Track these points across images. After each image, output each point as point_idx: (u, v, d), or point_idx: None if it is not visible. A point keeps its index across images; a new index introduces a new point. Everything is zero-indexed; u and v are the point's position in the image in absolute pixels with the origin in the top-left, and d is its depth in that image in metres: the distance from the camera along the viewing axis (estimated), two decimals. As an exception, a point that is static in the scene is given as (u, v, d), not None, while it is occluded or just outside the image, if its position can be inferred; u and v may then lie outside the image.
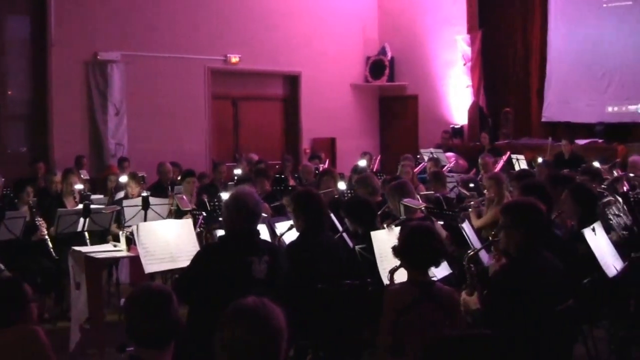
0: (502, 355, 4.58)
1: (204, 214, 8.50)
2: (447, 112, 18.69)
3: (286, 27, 17.62)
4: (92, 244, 8.52)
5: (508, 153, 13.91)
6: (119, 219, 9.24)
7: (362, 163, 13.69)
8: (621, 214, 7.80)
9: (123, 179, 11.05)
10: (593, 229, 6.28)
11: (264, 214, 6.67)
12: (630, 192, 8.85)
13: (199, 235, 7.49)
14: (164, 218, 8.82)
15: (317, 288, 5.68)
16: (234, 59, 16.89)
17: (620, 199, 7.93)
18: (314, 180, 11.61)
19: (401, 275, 4.99)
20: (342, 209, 7.16)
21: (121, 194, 10.57)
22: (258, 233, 5.38)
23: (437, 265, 4.86)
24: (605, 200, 8.00)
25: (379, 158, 15.20)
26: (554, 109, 17.16)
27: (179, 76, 16.05)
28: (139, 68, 15.41)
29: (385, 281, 5.47)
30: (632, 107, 15.90)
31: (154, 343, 3.34)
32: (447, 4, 18.44)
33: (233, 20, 16.82)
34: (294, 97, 18.43)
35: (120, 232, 8.12)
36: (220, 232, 6.72)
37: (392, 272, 5.13)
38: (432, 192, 9.50)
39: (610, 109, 16.23)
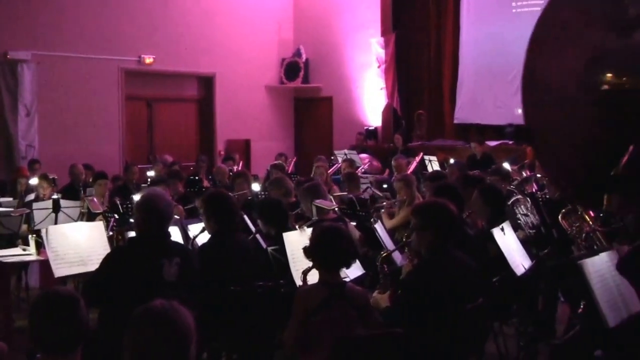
0: (413, 354, 4.66)
1: (116, 216, 8.38)
2: (362, 114, 18.85)
3: (201, 28, 17.50)
4: (0, 248, 8.32)
5: (421, 154, 14.09)
6: (29, 222, 9.05)
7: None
8: (529, 214, 7.97)
9: (33, 181, 10.82)
10: (502, 229, 6.39)
11: (176, 216, 6.64)
12: (538, 192, 9.05)
13: (110, 238, 7.39)
14: (75, 221, 8.67)
15: (229, 290, 5.66)
16: (148, 59, 16.68)
17: (528, 199, 8.10)
18: (228, 181, 11.57)
19: (314, 276, 5.01)
20: (254, 210, 7.16)
21: (31, 197, 10.36)
22: (169, 235, 5.34)
23: (348, 266, 4.88)
24: (514, 199, 8.17)
25: (293, 160, 15.24)
26: (465, 111, 17.47)
27: (92, 77, 15.77)
28: (50, 68, 15.05)
29: (298, 282, 5.48)
30: (540, 110, 16.26)
31: (60, 349, 3.27)
32: (361, 7, 18.58)
33: (147, 21, 16.61)
34: (208, 98, 18.31)
35: (30, 236, 7.96)
36: (132, 234, 6.63)
37: (305, 273, 5.13)
38: (345, 193, 9.54)
39: (519, 111, 16.49)
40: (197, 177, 12.56)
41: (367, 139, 18.23)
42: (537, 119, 2.78)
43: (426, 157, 13.85)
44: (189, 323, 2.82)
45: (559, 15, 2.77)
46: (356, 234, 7.54)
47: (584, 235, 6.82)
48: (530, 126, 2.86)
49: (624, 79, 2.56)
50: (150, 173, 12.55)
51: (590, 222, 6.96)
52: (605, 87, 2.58)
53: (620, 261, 2.77)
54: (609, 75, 2.56)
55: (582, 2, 2.75)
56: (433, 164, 13.54)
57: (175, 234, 6.35)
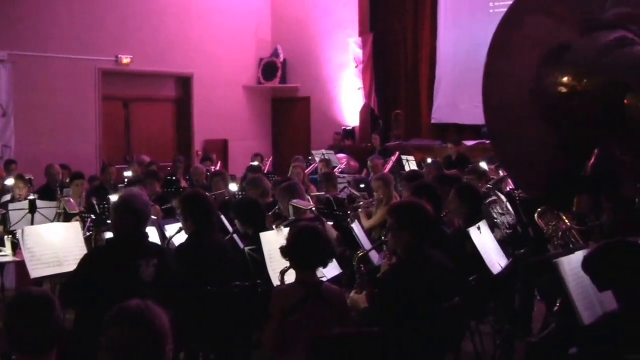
0: (390, 353, 4.67)
1: (93, 217, 8.35)
2: (339, 114, 18.88)
3: (179, 28, 17.44)
4: (-24, 249, 8.27)
5: (397, 154, 14.14)
6: (5, 223, 8.99)
7: (255, 164, 13.77)
8: (505, 213, 8.01)
9: (10, 182, 10.74)
10: (479, 228, 6.43)
11: (153, 217, 6.62)
12: (514, 192, 9.09)
13: (88, 239, 7.36)
14: (51, 221, 8.62)
15: (207, 290, 5.65)
16: (126, 60, 16.59)
17: (504, 198, 8.14)
18: (206, 182, 11.56)
19: (292, 276, 5.02)
20: (231, 211, 7.15)
21: (8, 197, 10.28)
22: (147, 236, 5.34)
23: (325, 265, 4.89)
24: (491, 199, 8.21)
25: (270, 160, 15.25)
26: (443, 111, 17.56)
27: (69, 77, 15.66)
28: (27, 68, 14.94)
29: (276, 282, 5.49)
30: (517, 109, 16.38)
31: (35, 349, 3.26)
32: (339, 7, 18.61)
33: (124, 21, 16.53)
34: (186, 98, 18.25)
35: (6, 237, 7.91)
36: (110, 235, 6.61)
37: (283, 273, 5.13)
38: (323, 193, 9.56)
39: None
40: (174, 178, 12.53)
41: (345, 139, 18.24)
42: (497, 123, 2.83)
43: (404, 157, 13.90)
44: (165, 323, 2.82)
45: (522, 18, 2.79)
46: (333, 233, 7.56)
47: (560, 234, 6.87)
48: (490, 129, 2.91)
49: (585, 81, 2.59)
50: (128, 173, 12.50)
51: (567, 221, 7.02)
52: (563, 89, 2.61)
53: (584, 260, 2.81)
54: (567, 78, 2.60)
55: (549, 3, 2.78)
56: (410, 164, 13.58)
57: (152, 234, 6.33)
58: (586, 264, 2.78)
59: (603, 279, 2.83)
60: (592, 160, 2.67)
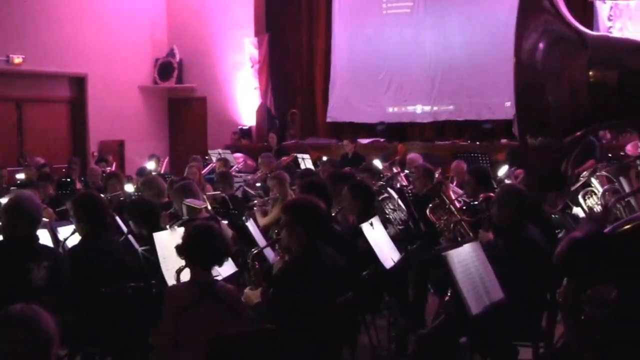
0: (286, 349, 4.72)
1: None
2: (236, 114, 18.89)
3: (72, 28, 17.10)
4: None
5: (294, 155, 14.24)
6: None
7: (151, 165, 13.65)
8: (397, 209, 8.17)
9: None
10: (371, 224, 6.54)
11: (45, 219, 6.52)
12: (405, 188, 9.29)
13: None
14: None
15: (101, 292, 5.60)
16: (17, 59, 16.16)
17: (396, 195, 8.29)
18: (101, 183, 11.42)
19: (188, 275, 5.01)
20: (125, 211, 7.10)
21: None
22: (37, 238, 5.27)
23: (220, 264, 4.91)
24: (384, 196, 8.36)
25: (166, 160, 15.16)
26: (338, 110, 17.76)
27: (-42, 78, 15.27)
28: None
29: (171, 282, 5.47)
30: (410, 108, 16.73)
31: None
32: (235, 7, 18.59)
33: (16, 20, 16.07)
34: (80, 99, 17.91)
35: None
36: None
37: (179, 272, 5.12)
38: (219, 192, 9.57)
39: (390, 109, 17.00)
40: (69, 179, 12.33)
41: (242, 139, 18.30)
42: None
43: (299, 156, 13.99)
44: (50, 327, 2.80)
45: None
46: (229, 232, 7.57)
47: (451, 226, 7.07)
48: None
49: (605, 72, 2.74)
50: (20, 175, 12.25)
51: (457, 214, 7.23)
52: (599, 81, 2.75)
53: (561, 260, 2.92)
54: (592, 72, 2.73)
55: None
56: (306, 163, 13.68)
57: (44, 237, 6.24)
58: (563, 263, 2.88)
59: (582, 274, 2.94)
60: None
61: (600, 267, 2.87)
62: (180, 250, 4.85)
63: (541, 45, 2.91)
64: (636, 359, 2.80)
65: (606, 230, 2.80)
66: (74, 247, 5.99)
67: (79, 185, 12.13)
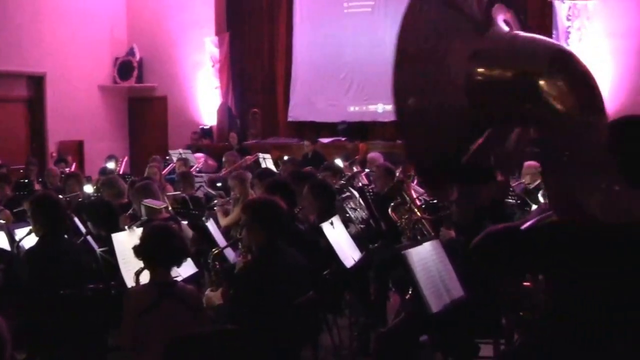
0: (247, 350, 4.71)
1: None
2: (196, 113, 18.80)
3: (30, 26, 16.85)
4: None
5: (257, 154, 14.20)
6: None
7: (110, 166, 13.55)
8: (359, 208, 8.18)
9: None
10: (332, 223, 6.55)
11: (1, 221, 6.45)
12: (366, 187, 9.30)
13: None
14: None
15: (58, 294, 5.54)
16: (-29, 58, 16.00)
17: (357, 194, 8.31)
18: (60, 184, 11.31)
19: (147, 277, 4.98)
20: (84, 212, 7.04)
21: None
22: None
23: (179, 264, 4.88)
24: (345, 195, 8.37)
25: (125, 160, 15.05)
26: (299, 109, 17.74)
27: None
28: None
29: (131, 283, 5.43)
30: (371, 107, 16.75)
31: None
32: (195, 6, 18.49)
33: (-31, 18, 15.95)
34: (38, 98, 17.66)
35: None
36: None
37: (138, 273, 5.09)
38: (179, 192, 9.52)
39: (352, 108, 17.02)
40: (27, 180, 12.18)
41: (203, 138, 18.21)
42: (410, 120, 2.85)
43: (260, 155, 13.95)
44: (3, 330, 2.76)
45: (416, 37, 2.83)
46: (189, 233, 7.54)
47: (413, 225, 7.09)
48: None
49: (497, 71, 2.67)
50: (-24, 177, 12.07)
51: (418, 212, 7.24)
52: (480, 78, 2.68)
53: (472, 250, 2.93)
54: (483, 69, 2.67)
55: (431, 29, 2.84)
56: (267, 162, 13.65)
57: (2, 239, 6.17)
58: (474, 252, 2.89)
59: (491, 264, 2.96)
60: (478, 143, 2.74)
61: (513, 259, 2.92)
62: (138, 251, 4.82)
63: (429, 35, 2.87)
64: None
65: (527, 224, 2.83)
66: (31, 248, 5.92)
67: (37, 186, 11.99)
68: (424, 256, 5.26)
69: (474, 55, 2.72)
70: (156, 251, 4.75)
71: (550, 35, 14.71)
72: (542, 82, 2.53)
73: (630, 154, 2.62)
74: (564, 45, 14.23)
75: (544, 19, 15.26)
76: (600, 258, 2.69)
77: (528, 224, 2.81)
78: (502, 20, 2.81)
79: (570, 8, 14.49)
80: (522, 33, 2.80)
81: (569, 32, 14.52)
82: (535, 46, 2.74)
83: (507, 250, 2.90)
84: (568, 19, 14.55)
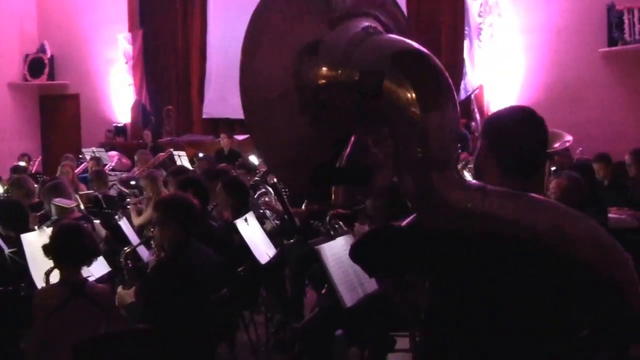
0: (160, 349, 4.67)
1: None
2: (110, 111, 18.58)
3: None
4: None
5: (170, 151, 14.11)
6: None
7: (23, 164, 13.34)
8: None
9: None
10: (245, 219, 6.55)
11: None
12: (279, 184, 9.31)
13: None
14: None
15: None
16: None
17: (271, 190, 8.32)
18: (-32, 185, 11.05)
19: (58, 277, 4.91)
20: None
21: None
22: None
23: (89, 263, 4.83)
24: (260, 191, 8.37)
25: (39, 159, 14.79)
26: (213, 106, 17.70)
27: None
28: None
29: (41, 284, 5.35)
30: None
31: None
32: (108, 2, 18.31)
33: None
34: (-55, 97, 17.31)
35: None
36: None
37: (47, 273, 5.02)
38: (92, 191, 9.41)
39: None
40: None
41: (117, 136, 18.01)
42: (258, 126, 2.80)
43: (175, 153, 13.86)
44: None
45: (268, 17, 2.79)
46: (102, 232, 7.46)
47: (327, 220, 7.12)
48: (252, 133, 2.86)
49: (339, 71, 2.65)
50: None
51: (332, 207, 7.28)
52: (322, 80, 2.66)
53: (351, 249, 2.91)
54: (324, 68, 2.65)
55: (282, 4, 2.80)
56: (182, 160, 13.57)
57: None
58: (352, 254, 2.89)
59: (369, 264, 2.94)
60: (348, 151, 2.73)
61: (391, 258, 2.91)
62: (47, 250, 4.76)
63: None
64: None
65: (407, 220, 2.82)
66: None
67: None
68: (337, 251, 5.30)
69: (311, 46, 2.70)
70: (65, 250, 4.69)
71: (462, 32, 14.98)
72: (386, 82, 2.54)
73: (495, 141, 2.69)
74: (476, 41, 14.51)
75: (456, 16, 15.51)
76: (458, 256, 2.66)
77: (407, 220, 2.80)
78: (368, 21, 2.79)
79: (482, 5, 14.74)
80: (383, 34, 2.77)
81: (480, 29, 14.76)
82: (381, 47, 2.71)
83: (385, 249, 2.88)
84: (480, 16, 14.79)
